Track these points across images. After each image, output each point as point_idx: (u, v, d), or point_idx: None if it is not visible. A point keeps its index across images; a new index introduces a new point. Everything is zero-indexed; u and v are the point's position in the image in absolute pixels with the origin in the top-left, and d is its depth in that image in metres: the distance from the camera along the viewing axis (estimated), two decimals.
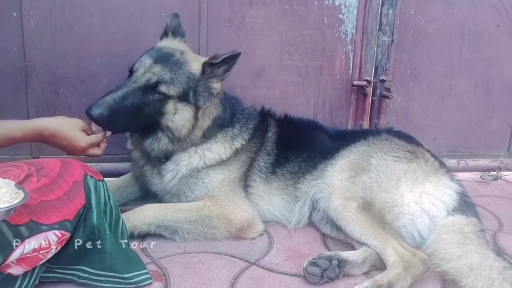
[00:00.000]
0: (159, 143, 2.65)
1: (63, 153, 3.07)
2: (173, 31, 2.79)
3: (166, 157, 2.72)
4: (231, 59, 2.58)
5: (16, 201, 1.65)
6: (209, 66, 2.61)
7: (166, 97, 2.54)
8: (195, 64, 2.63)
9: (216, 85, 2.65)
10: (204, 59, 2.68)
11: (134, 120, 2.50)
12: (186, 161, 2.71)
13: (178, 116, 2.58)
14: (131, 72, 2.57)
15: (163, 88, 2.52)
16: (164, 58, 2.58)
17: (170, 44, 2.75)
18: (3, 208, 1.61)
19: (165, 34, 2.80)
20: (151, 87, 2.51)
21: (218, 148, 2.75)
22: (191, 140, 2.70)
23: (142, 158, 2.83)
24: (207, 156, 2.73)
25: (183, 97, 2.57)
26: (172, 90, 2.54)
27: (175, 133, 2.62)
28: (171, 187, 2.75)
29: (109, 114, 2.37)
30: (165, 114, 2.56)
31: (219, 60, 2.57)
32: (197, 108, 2.62)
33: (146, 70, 2.53)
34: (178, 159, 2.72)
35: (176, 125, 2.59)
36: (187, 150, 2.72)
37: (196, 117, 2.63)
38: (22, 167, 1.95)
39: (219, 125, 2.77)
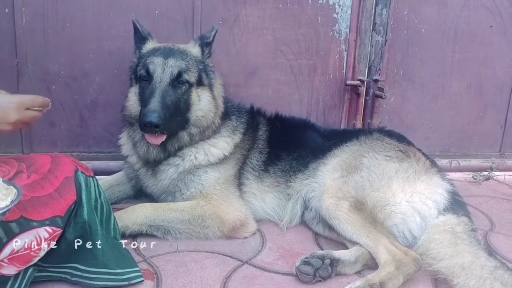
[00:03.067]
0: (179, 141, 2.70)
1: (54, 150, 3.07)
2: (148, 34, 2.83)
3: (175, 151, 2.73)
4: (215, 35, 2.78)
5: (10, 198, 1.64)
6: (206, 46, 2.76)
7: (190, 86, 2.64)
8: (192, 48, 2.76)
9: (211, 64, 2.80)
10: (191, 43, 2.80)
11: (178, 118, 2.60)
12: (192, 156, 2.72)
13: (203, 101, 2.69)
14: (149, 76, 2.60)
15: (186, 76, 2.62)
16: (169, 52, 2.67)
17: (154, 45, 2.78)
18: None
19: (143, 39, 2.79)
20: (176, 80, 2.59)
21: (222, 143, 2.77)
22: (211, 130, 2.74)
23: (139, 162, 2.82)
24: (212, 152, 2.74)
25: (199, 82, 2.69)
26: (192, 77, 2.65)
27: (203, 122, 2.69)
28: (168, 184, 2.74)
29: (165, 116, 2.44)
30: (192, 105, 2.65)
31: (211, 38, 2.76)
32: (211, 88, 2.74)
33: (163, 67, 2.60)
34: (185, 154, 2.72)
35: (204, 111, 2.68)
36: (195, 145, 2.74)
37: (214, 97, 2.74)
38: (12, 163, 1.93)
39: (223, 113, 2.81)
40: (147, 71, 2.60)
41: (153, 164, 2.76)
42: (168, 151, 2.71)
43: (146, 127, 2.44)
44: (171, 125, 2.55)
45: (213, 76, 2.78)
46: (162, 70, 2.58)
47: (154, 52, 2.67)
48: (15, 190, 1.68)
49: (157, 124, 2.41)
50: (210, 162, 2.72)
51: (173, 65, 2.60)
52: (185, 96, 2.62)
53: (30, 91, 3.07)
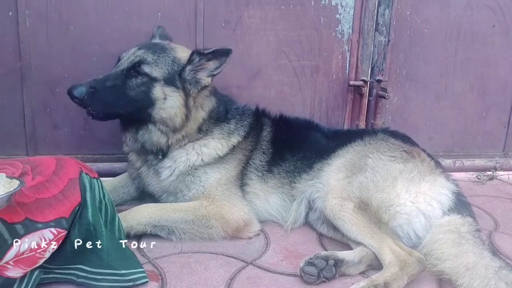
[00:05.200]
0: (150, 135, 2.64)
1: (58, 152, 3.08)
2: (160, 36, 2.89)
3: (163, 153, 2.72)
4: (222, 54, 2.60)
5: (14, 187, 1.66)
6: (198, 55, 2.63)
7: (151, 80, 2.56)
8: (182, 52, 2.70)
9: (206, 79, 2.66)
10: (183, 47, 2.77)
11: (121, 103, 2.52)
12: (184, 157, 2.71)
13: (169, 103, 2.59)
14: (118, 61, 2.65)
15: (146, 68, 2.55)
16: (149, 45, 2.69)
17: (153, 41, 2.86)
18: (3, 194, 1.61)
19: (152, 37, 2.91)
20: (133, 68, 2.56)
21: (215, 144, 2.75)
22: (187, 133, 2.70)
23: (138, 160, 2.82)
24: (204, 152, 2.72)
25: (169, 81, 2.59)
26: (156, 71, 2.56)
27: (168, 123, 2.62)
28: (168, 185, 2.74)
29: (90, 92, 2.42)
30: (155, 101, 2.57)
31: (208, 51, 2.60)
32: (186, 96, 2.63)
33: (130, 55, 2.61)
34: (175, 156, 2.72)
35: (168, 113, 2.59)
36: (184, 147, 2.72)
37: (187, 106, 2.63)
38: (16, 165, 1.94)
39: (215, 119, 2.79)
40: (119, 57, 2.65)
41: (151, 162, 2.76)
42: (141, 143, 2.67)
43: (70, 97, 2.44)
44: (103, 104, 2.48)
45: (191, 85, 2.63)
46: (127, 58, 2.60)
47: (139, 44, 2.72)
48: (18, 182, 1.72)
49: (75, 96, 2.41)
50: (205, 162, 2.71)
51: (137, 55, 2.58)
52: (143, 88, 2.54)
53: (34, 94, 3.09)
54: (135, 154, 2.83)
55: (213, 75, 2.66)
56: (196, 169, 2.71)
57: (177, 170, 2.71)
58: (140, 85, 2.55)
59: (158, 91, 2.57)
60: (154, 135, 2.65)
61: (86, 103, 2.45)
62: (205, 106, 2.74)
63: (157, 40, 2.87)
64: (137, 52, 2.60)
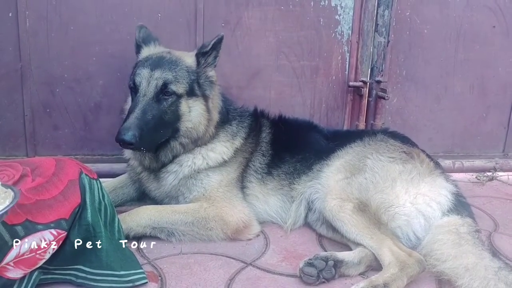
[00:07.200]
0: (172, 152, 2.68)
1: (58, 153, 3.09)
2: (144, 40, 2.79)
3: (172, 159, 2.72)
4: (218, 43, 2.67)
5: (8, 201, 1.64)
6: (202, 56, 2.68)
7: (178, 97, 2.58)
8: (188, 58, 2.70)
9: (212, 73, 2.72)
10: (191, 53, 2.74)
11: (161, 131, 2.55)
12: (190, 161, 2.71)
13: (194, 113, 2.63)
14: (135, 88, 2.58)
15: (173, 87, 2.56)
16: (158, 62, 2.61)
17: (150, 51, 2.74)
18: None
19: (138, 47, 2.79)
20: (161, 92, 2.54)
21: (221, 148, 2.76)
22: (205, 139, 2.72)
23: (140, 166, 2.82)
24: (210, 156, 2.73)
25: (190, 93, 2.63)
26: (180, 88, 2.59)
27: (192, 133, 2.65)
28: (170, 189, 2.74)
29: (140, 133, 2.40)
30: (182, 116, 2.60)
31: (209, 47, 2.65)
32: (206, 100, 2.67)
33: (149, 80, 2.56)
34: (182, 160, 2.72)
35: (193, 123, 2.63)
36: (192, 151, 2.72)
37: (208, 110, 2.68)
38: (16, 167, 1.94)
39: (221, 121, 2.80)
40: (134, 82, 2.59)
41: (153, 168, 2.77)
42: (161, 161, 2.71)
43: (120, 144, 2.43)
44: (151, 139, 2.50)
45: (208, 87, 2.69)
46: (147, 83, 2.55)
47: (144, 62, 2.64)
48: (12, 193, 1.69)
49: (130, 142, 2.38)
50: (209, 166, 2.72)
51: (158, 77, 2.55)
52: (173, 107, 2.57)
53: (34, 94, 3.10)
54: (137, 161, 2.82)
55: (215, 66, 2.72)
56: (198, 173, 2.71)
57: (181, 174, 2.71)
58: (170, 105, 2.57)
59: (184, 106, 2.61)
60: (174, 150, 2.69)
61: (139, 145, 2.44)
62: (216, 106, 2.77)
63: (149, 48, 2.75)
64: (155, 74, 2.56)
